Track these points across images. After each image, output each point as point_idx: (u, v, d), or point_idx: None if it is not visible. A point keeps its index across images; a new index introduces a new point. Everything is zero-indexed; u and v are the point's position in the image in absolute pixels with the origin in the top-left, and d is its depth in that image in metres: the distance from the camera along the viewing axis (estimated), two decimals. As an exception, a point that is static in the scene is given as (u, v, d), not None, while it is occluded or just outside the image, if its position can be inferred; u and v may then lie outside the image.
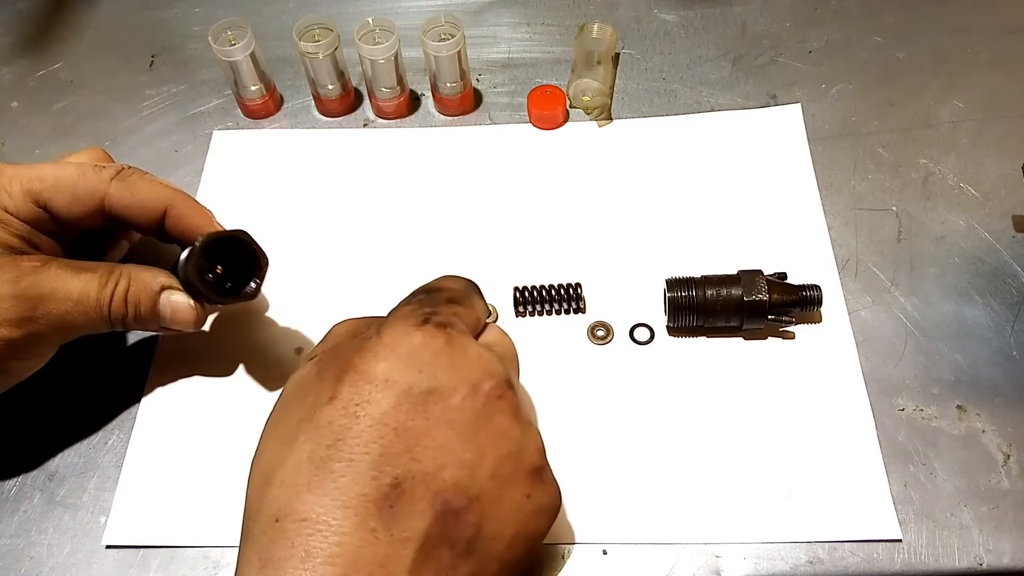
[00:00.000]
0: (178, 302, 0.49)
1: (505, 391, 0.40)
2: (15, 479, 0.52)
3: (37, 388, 0.51)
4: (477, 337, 0.43)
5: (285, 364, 0.55)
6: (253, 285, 0.49)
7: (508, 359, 0.44)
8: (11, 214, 0.47)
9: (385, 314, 0.42)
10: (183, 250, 0.49)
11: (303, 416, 0.38)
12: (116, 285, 0.47)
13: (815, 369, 0.54)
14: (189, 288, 0.48)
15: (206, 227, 0.50)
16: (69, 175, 0.48)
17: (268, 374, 0.55)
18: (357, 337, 0.41)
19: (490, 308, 0.57)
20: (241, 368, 0.55)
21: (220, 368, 0.55)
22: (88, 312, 0.46)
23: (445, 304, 0.42)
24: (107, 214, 0.49)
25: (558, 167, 0.65)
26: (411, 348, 0.38)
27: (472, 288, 0.46)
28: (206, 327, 0.56)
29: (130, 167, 0.50)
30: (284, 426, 0.39)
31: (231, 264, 0.49)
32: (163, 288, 0.48)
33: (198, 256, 0.47)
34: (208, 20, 0.69)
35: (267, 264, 0.49)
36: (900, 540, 0.47)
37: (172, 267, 0.49)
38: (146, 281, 0.48)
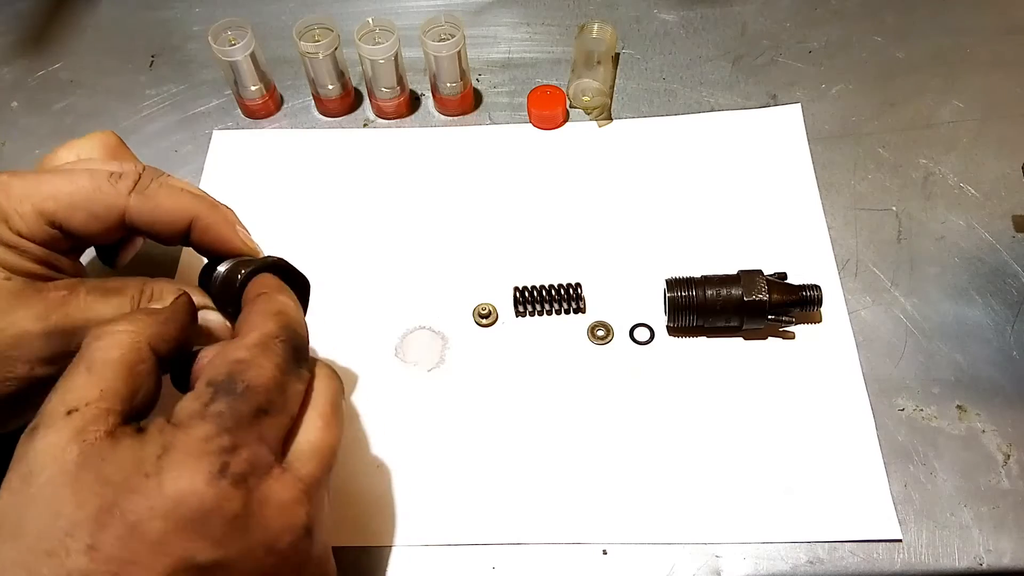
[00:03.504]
0: (214, 322, 0.44)
1: (301, 541, 0.35)
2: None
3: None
4: (291, 437, 0.38)
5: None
6: None
7: (321, 463, 0.38)
8: (26, 237, 0.42)
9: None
10: (211, 261, 0.46)
11: (49, 547, 0.31)
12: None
13: (815, 369, 0.54)
14: (222, 307, 0.45)
15: (232, 239, 0.46)
16: (84, 191, 0.43)
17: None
18: (134, 462, 0.33)
19: (490, 308, 0.57)
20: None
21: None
22: None
23: (250, 425, 0.35)
24: (127, 228, 0.45)
25: (558, 167, 0.65)
26: (199, 511, 0.32)
27: (294, 353, 0.38)
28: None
29: (148, 170, 0.46)
30: (26, 535, 0.32)
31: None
32: (177, 287, 0.45)
33: (242, 287, 0.43)
34: (208, 20, 0.69)
35: (309, 288, 0.46)
36: (900, 540, 0.48)
37: (200, 277, 0.47)
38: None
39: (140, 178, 0.44)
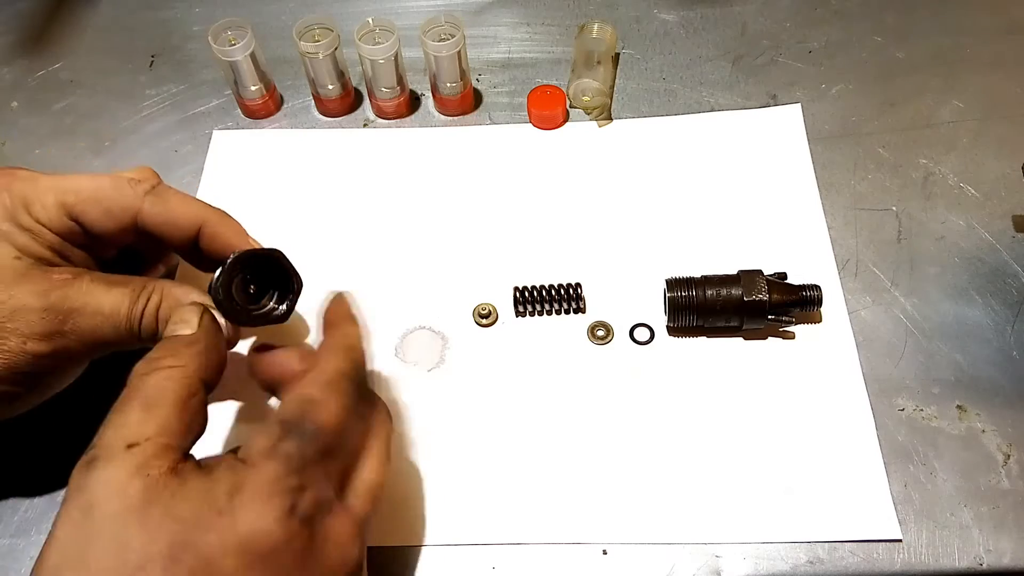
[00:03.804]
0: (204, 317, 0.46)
1: (353, 574, 0.38)
2: (15, 478, 0.52)
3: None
4: (349, 473, 0.40)
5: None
6: (284, 307, 0.47)
7: (374, 501, 0.41)
8: (43, 225, 0.45)
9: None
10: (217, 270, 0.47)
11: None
12: (148, 300, 0.45)
13: (815, 369, 0.54)
14: (221, 307, 0.45)
15: (241, 245, 0.47)
16: (104, 188, 0.46)
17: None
18: (206, 500, 0.34)
19: (490, 308, 0.57)
20: (238, 368, 0.55)
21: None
22: (118, 327, 0.45)
23: (316, 465, 0.37)
24: (140, 230, 0.47)
25: (558, 167, 0.65)
26: (270, 548, 0.34)
27: (358, 391, 0.41)
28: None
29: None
30: (91, 567, 0.33)
31: (265, 284, 0.47)
32: (195, 305, 0.45)
33: (228, 273, 0.45)
34: (208, 20, 0.69)
35: (300, 286, 0.47)
36: (900, 540, 0.48)
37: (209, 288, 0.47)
38: (178, 297, 0.46)
39: (158, 184, 0.48)
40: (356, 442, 0.41)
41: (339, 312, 0.45)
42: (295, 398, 0.39)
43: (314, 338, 0.56)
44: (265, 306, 0.47)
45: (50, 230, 0.45)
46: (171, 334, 0.42)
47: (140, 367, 0.39)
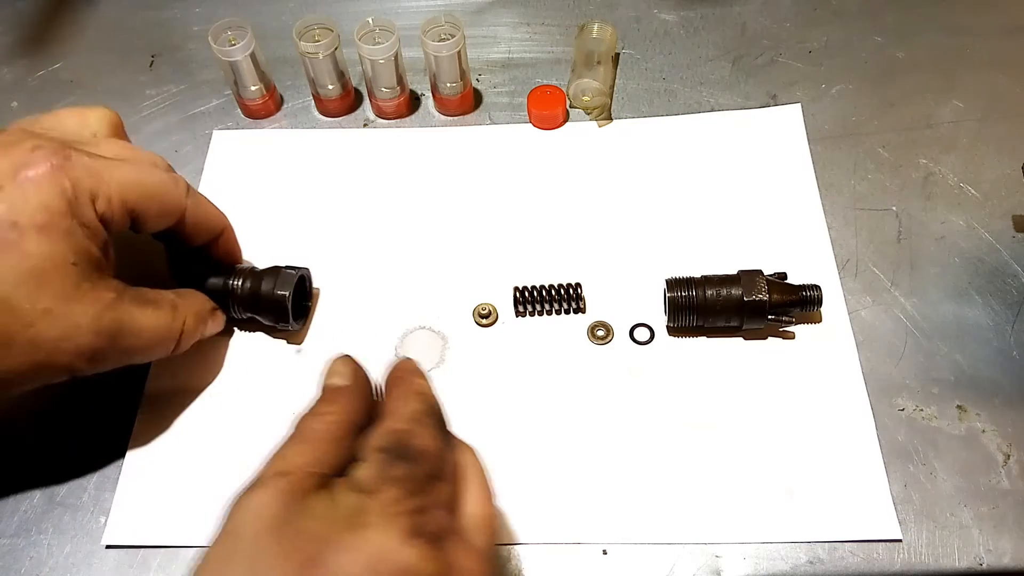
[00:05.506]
0: (220, 318, 0.54)
1: None
2: (15, 479, 0.52)
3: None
4: (457, 508, 0.39)
5: (284, 364, 0.56)
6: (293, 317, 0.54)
7: (491, 537, 0.40)
8: (105, 220, 0.44)
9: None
10: (197, 262, 0.54)
11: None
12: (184, 323, 0.49)
13: (815, 369, 0.54)
14: (220, 302, 0.54)
15: (241, 257, 0.56)
16: (164, 184, 0.47)
17: (267, 374, 0.55)
18: (333, 519, 0.35)
19: (490, 308, 0.57)
20: (239, 368, 0.56)
21: (218, 369, 0.55)
22: (152, 348, 0.47)
23: (431, 490, 0.37)
24: (176, 228, 0.49)
25: (558, 167, 0.65)
26: (401, 569, 0.34)
27: (442, 428, 0.41)
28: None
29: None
30: None
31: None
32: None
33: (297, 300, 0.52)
34: (208, 20, 0.69)
35: (311, 297, 0.50)
36: (900, 540, 0.48)
37: (176, 269, 0.54)
38: (202, 314, 0.51)
39: (189, 186, 0.50)
40: (452, 473, 0.40)
41: (405, 368, 0.44)
42: (384, 432, 0.39)
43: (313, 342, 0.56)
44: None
45: (109, 227, 0.45)
46: (329, 385, 0.43)
47: (304, 416, 0.40)
